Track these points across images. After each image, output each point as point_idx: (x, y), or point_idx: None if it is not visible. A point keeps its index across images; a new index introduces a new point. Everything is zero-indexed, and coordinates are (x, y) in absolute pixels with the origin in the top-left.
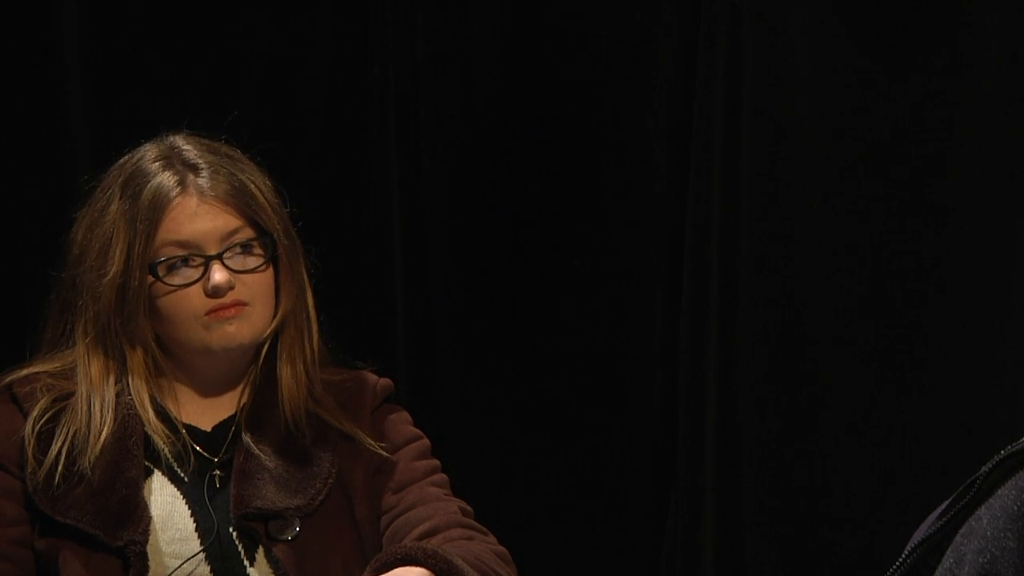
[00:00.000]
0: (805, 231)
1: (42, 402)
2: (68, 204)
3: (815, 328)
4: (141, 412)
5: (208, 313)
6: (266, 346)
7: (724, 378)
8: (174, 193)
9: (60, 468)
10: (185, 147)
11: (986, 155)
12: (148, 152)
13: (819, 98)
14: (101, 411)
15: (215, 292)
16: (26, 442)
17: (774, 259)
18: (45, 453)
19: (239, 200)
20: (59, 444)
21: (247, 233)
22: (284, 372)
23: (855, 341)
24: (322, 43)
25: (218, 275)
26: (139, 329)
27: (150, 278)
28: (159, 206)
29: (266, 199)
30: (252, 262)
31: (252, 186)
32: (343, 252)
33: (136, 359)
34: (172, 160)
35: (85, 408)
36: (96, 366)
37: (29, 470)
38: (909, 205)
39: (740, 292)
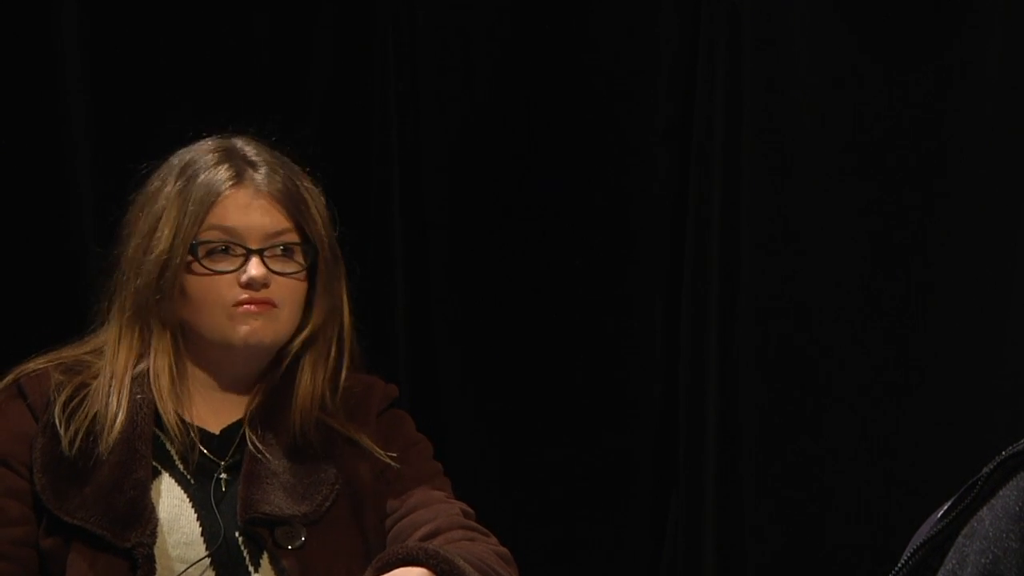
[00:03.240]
0: (805, 231)
1: (66, 391)
2: (67, 205)
3: (815, 328)
4: (155, 394)
5: (236, 304)
6: (289, 357)
7: (724, 378)
8: (231, 182)
9: (76, 447)
10: (246, 146)
11: (986, 155)
12: (208, 144)
13: (819, 97)
14: (119, 395)
15: (249, 284)
16: (57, 420)
17: (774, 259)
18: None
19: (291, 203)
20: (76, 426)
21: (292, 237)
22: (303, 384)
23: (855, 341)
24: (322, 43)
25: (255, 269)
26: (171, 310)
27: (189, 257)
28: (214, 191)
29: (317, 210)
30: (290, 266)
31: (306, 194)
32: (343, 252)
33: (164, 341)
34: (231, 153)
35: (106, 390)
36: (125, 343)
37: (41, 465)
38: (909, 205)
39: (740, 292)
